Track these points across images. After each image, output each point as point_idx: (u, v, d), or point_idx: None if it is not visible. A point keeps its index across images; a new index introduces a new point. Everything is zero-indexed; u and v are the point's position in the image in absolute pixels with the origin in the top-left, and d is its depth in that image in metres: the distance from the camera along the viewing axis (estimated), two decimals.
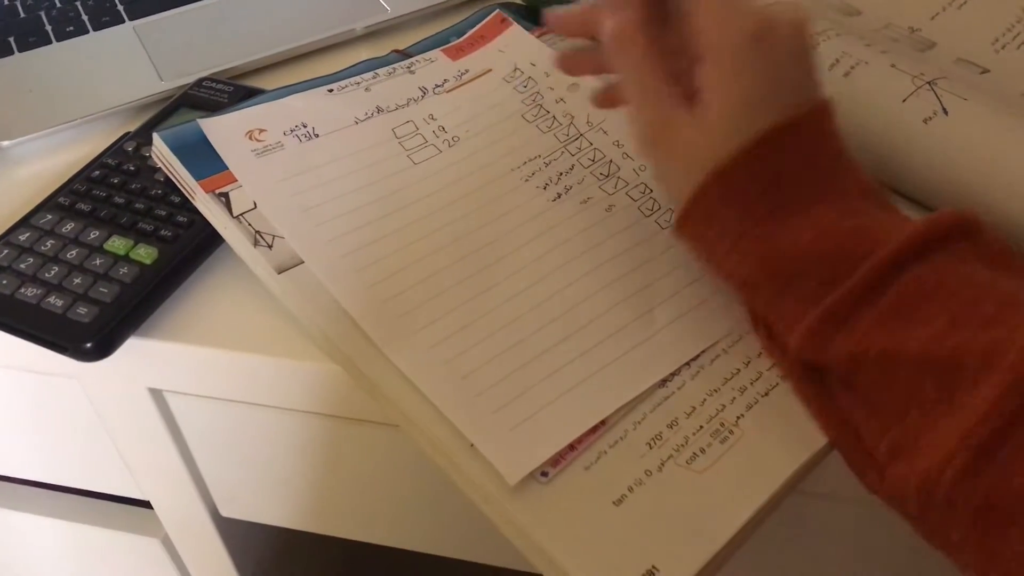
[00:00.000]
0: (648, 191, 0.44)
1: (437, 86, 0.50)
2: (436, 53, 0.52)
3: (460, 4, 0.59)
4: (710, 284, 0.40)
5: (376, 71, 0.51)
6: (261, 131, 0.46)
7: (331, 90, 0.49)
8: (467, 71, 0.51)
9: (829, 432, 0.35)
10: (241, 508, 0.53)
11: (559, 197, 0.44)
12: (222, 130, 0.46)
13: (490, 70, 0.51)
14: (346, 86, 0.49)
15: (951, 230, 0.33)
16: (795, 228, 0.34)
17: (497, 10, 0.55)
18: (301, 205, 0.43)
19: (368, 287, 0.40)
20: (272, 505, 0.51)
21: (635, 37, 0.36)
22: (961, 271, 0.32)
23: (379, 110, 0.48)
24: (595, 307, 0.39)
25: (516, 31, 0.53)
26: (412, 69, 0.51)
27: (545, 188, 0.44)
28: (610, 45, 0.37)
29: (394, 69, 0.51)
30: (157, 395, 0.46)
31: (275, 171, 0.44)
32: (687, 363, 0.38)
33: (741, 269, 0.35)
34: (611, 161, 0.45)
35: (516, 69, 0.51)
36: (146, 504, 0.55)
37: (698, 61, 0.35)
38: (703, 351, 0.38)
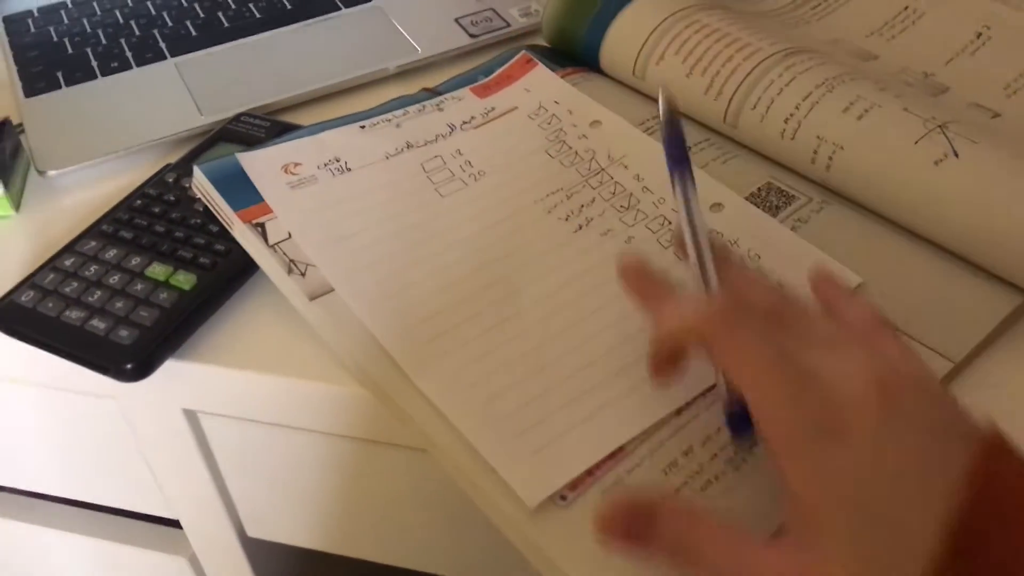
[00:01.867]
0: (667, 223, 0.46)
1: (465, 123, 0.52)
2: (464, 91, 0.54)
3: (487, 46, 0.61)
4: None
5: (407, 108, 0.53)
6: (296, 165, 0.49)
7: (363, 127, 0.51)
8: (493, 108, 0.53)
9: None
10: (267, 528, 0.54)
11: (580, 228, 0.46)
12: (259, 164, 0.48)
13: (516, 107, 0.53)
14: (377, 123, 0.52)
15: None
16: None
17: (523, 51, 0.57)
18: (333, 235, 0.45)
19: (396, 314, 0.41)
20: (298, 526, 0.53)
21: None
22: None
23: (408, 146, 0.50)
24: (613, 336, 0.41)
25: (541, 71, 0.55)
26: (441, 107, 0.53)
27: (567, 219, 0.46)
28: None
29: (423, 107, 0.53)
30: (191, 416, 0.48)
31: (309, 203, 0.46)
32: (702, 393, 0.39)
33: None
34: (631, 194, 0.47)
35: (540, 107, 0.53)
36: (175, 523, 0.56)
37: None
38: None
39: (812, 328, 0.32)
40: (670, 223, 0.46)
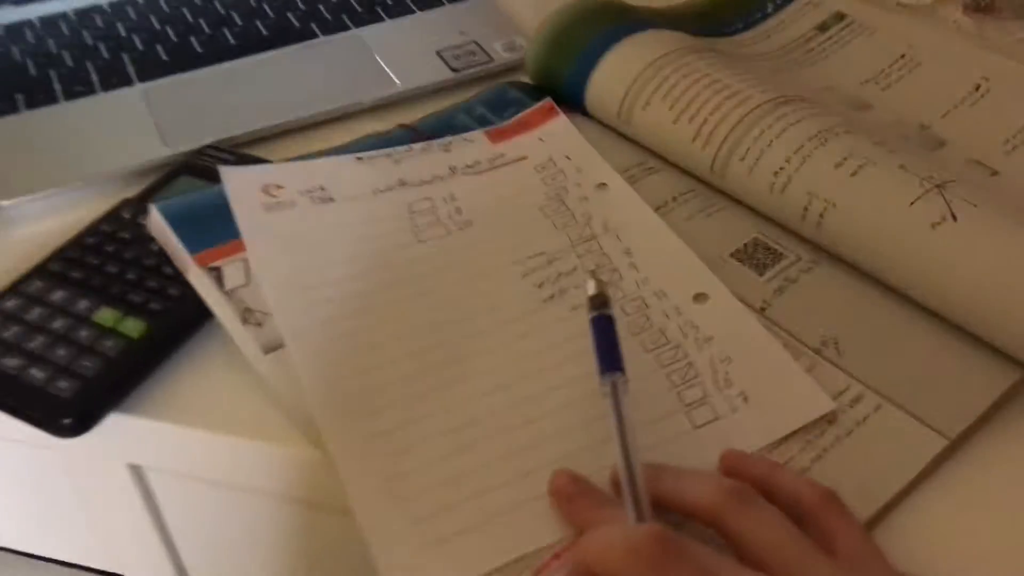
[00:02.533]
0: (645, 306, 0.42)
1: (468, 167, 0.50)
2: (477, 134, 0.52)
3: (468, 81, 0.59)
4: (678, 423, 0.38)
5: (411, 146, 0.50)
6: (278, 188, 0.46)
7: (360, 158, 0.49)
8: (503, 155, 0.51)
9: None
10: None
11: (551, 298, 0.43)
12: (239, 181, 0.46)
13: (525, 157, 0.51)
14: (376, 156, 0.49)
15: None
16: None
17: (548, 99, 0.54)
18: (295, 282, 0.42)
19: (335, 373, 0.39)
20: None
21: None
22: None
23: (401, 183, 0.48)
24: (549, 426, 0.37)
25: (561, 122, 0.53)
26: (448, 148, 0.51)
27: (540, 287, 0.43)
28: None
29: (429, 145, 0.51)
30: (137, 471, 0.45)
31: (280, 229, 0.44)
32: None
33: None
34: (616, 269, 0.44)
35: (550, 159, 0.50)
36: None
37: None
38: None
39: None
40: (647, 306, 0.42)
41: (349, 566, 0.46)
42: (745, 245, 0.46)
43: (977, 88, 0.55)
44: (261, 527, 0.45)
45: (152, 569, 0.50)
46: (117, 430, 0.41)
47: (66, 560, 0.54)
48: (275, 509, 0.44)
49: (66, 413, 0.39)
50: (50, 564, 0.56)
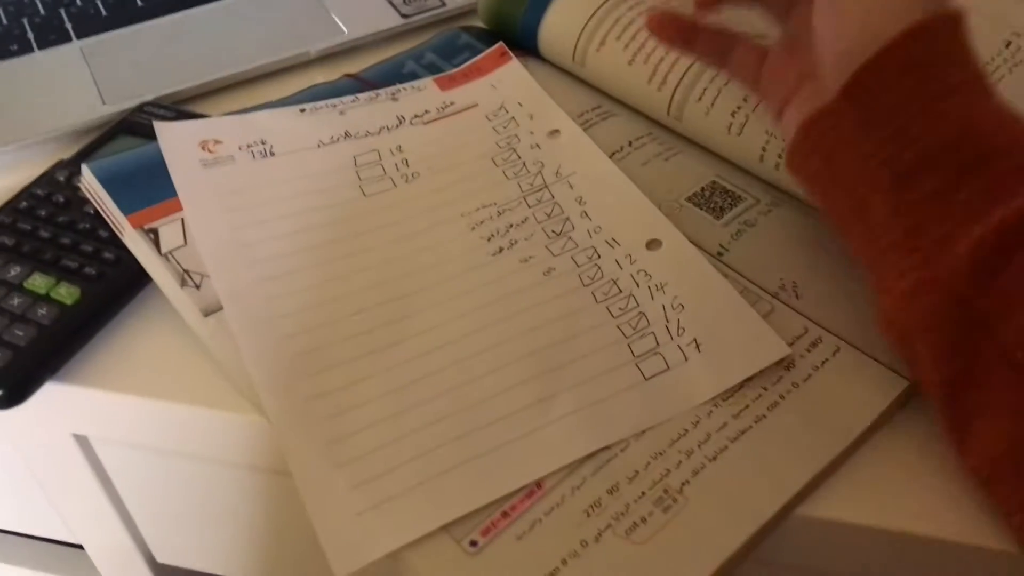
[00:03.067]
0: (596, 256, 0.41)
1: (416, 116, 0.48)
2: (427, 81, 0.50)
3: (419, 27, 0.57)
4: (627, 375, 0.36)
5: (357, 95, 0.48)
6: (216, 142, 0.44)
7: (303, 110, 0.47)
8: (452, 103, 0.49)
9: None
10: (177, 555, 0.50)
11: (500, 251, 0.41)
12: (175, 136, 0.44)
13: (476, 105, 0.49)
14: (320, 107, 0.47)
15: None
16: (997, 100, 0.31)
17: (500, 43, 0.52)
18: (232, 240, 0.40)
19: (274, 335, 0.37)
20: (207, 553, 0.49)
21: None
22: None
23: (347, 135, 0.46)
24: (494, 383, 0.36)
25: (514, 67, 0.51)
26: (396, 96, 0.49)
27: (489, 240, 0.42)
28: None
29: (377, 94, 0.49)
30: (82, 441, 0.44)
31: (217, 186, 0.42)
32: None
33: (927, 137, 0.31)
34: (567, 219, 0.43)
35: (502, 107, 0.48)
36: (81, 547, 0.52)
37: None
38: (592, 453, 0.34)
39: None
40: (599, 256, 0.41)
41: (305, 528, 0.45)
42: (703, 189, 0.44)
43: None
44: (214, 494, 0.44)
45: (109, 539, 0.49)
46: (56, 400, 0.39)
47: (23, 532, 0.53)
48: (226, 475, 0.43)
49: None
50: (7, 536, 0.55)
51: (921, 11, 0.32)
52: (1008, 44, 0.51)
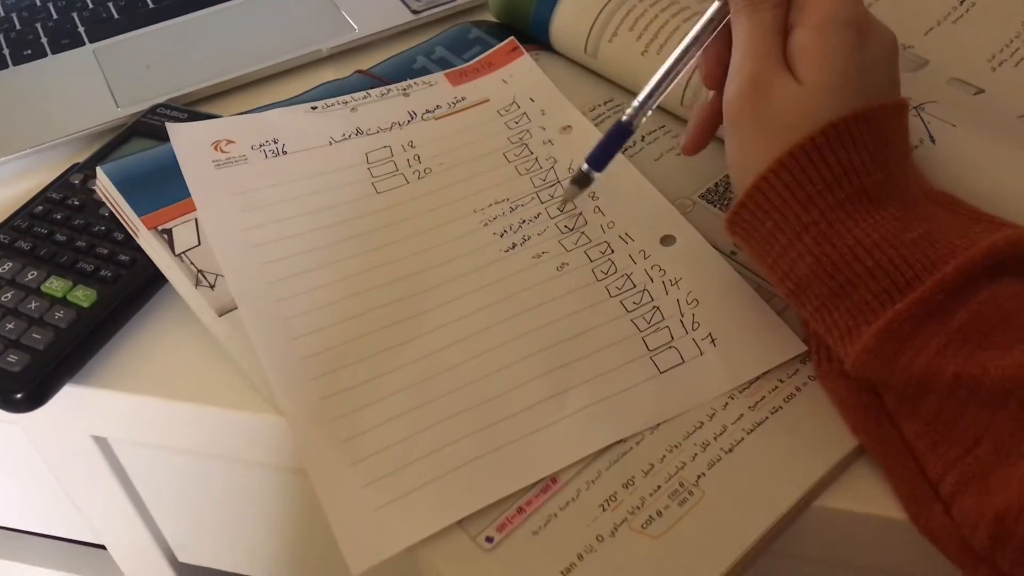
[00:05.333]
0: (609, 250, 0.41)
1: (428, 112, 0.48)
2: (438, 77, 0.50)
3: (429, 23, 0.57)
4: (642, 369, 0.36)
5: (368, 92, 0.48)
6: (229, 142, 0.45)
7: (314, 107, 0.47)
8: (464, 99, 0.49)
9: (887, 461, 0.33)
10: (198, 554, 0.50)
11: (513, 248, 0.41)
12: (187, 137, 0.44)
13: (487, 100, 0.48)
14: (332, 104, 0.47)
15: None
16: (859, 228, 0.32)
17: (511, 37, 0.52)
18: (246, 241, 0.40)
19: (288, 334, 0.37)
20: (229, 552, 0.49)
21: None
22: None
23: (358, 132, 0.46)
24: (508, 378, 0.36)
25: (525, 62, 0.51)
26: (407, 92, 0.49)
27: (502, 236, 0.41)
28: None
29: (388, 90, 0.48)
30: (102, 442, 0.44)
31: (231, 186, 0.42)
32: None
33: (796, 269, 0.33)
34: (580, 214, 0.42)
35: (513, 102, 0.48)
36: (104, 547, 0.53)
37: (797, 28, 0.35)
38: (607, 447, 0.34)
39: None
40: (612, 251, 0.41)
41: (323, 525, 0.45)
42: (716, 184, 0.44)
43: (962, 2, 0.52)
44: (233, 493, 0.45)
45: (131, 539, 0.50)
46: (75, 402, 0.40)
47: (46, 533, 0.54)
48: (245, 474, 0.43)
49: (18, 388, 0.38)
50: (31, 537, 0.56)
51: (788, 143, 0.33)
52: (962, 1, 0.51)
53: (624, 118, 0.39)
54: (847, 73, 0.33)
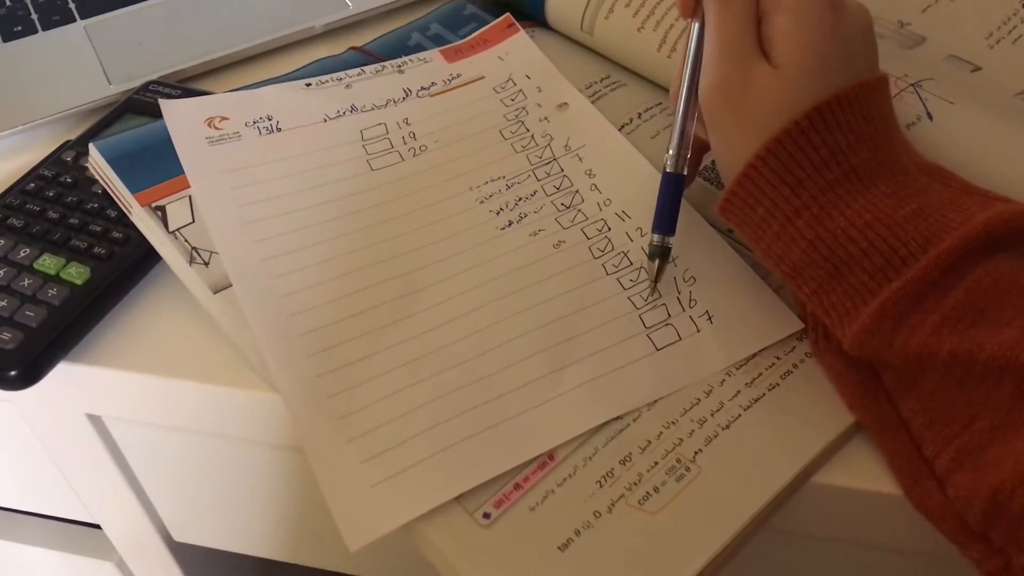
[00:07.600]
0: (606, 228, 0.40)
1: (423, 88, 0.47)
2: (433, 53, 0.49)
3: None
4: (639, 346, 0.36)
5: (363, 68, 0.48)
6: (222, 119, 0.44)
7: (309, 84, 0.47)
8: (459, 76, 0.48)
9: (883, 438, 0.33)
10: (193, 533, 0.50)
11: (510, 225, 0.41)
12: (181, 113, 0.44)
13: (483, 77, 0.48)
14: (326, 81, 0.47)
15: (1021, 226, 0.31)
16: (851, 209, 0.32)
17: (507, 14, 0.52)
18: (240, 218, 0.40)
19: (283, 311, 0.37)
20: (224, 531, 0.49)
21: None
22: None
23: (353, 109, 0.46)
24: (505, 355, 0.36)
25: (521, 39, 0.50)
26: (402, 69, 0.48)
27: (498, 214, 0.41)
28: None
29: (383, 67, 0.48)
30: (96, 421, 0.44)
31: (224, 163, 0.42)
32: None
33: (791, 254, 0.33)
34: (577, 191, 0.42)
35: (510, 79, 0.48)
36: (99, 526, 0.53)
37: (772, 14, 0.34)
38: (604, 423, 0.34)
39: None
40: (609, 228, 0.41)
41: (320, 503, 0.45)
42: (713, 163, 0.44)
43: None
44: (228, 471, 0.45)
45: (126, 519, 0.49)
46: (69, 380, 0.40)
47: (40, 512, 0.53)
48: (240, 452, 0.43)
49: (11, 365, 0.37)
50: (25, 516, 0.56)
51: (772, 130, 0.33)
52: (1017, 12, 0.50)
53: (668, 168, 0.37)
54: (827, 55, 0.33)
